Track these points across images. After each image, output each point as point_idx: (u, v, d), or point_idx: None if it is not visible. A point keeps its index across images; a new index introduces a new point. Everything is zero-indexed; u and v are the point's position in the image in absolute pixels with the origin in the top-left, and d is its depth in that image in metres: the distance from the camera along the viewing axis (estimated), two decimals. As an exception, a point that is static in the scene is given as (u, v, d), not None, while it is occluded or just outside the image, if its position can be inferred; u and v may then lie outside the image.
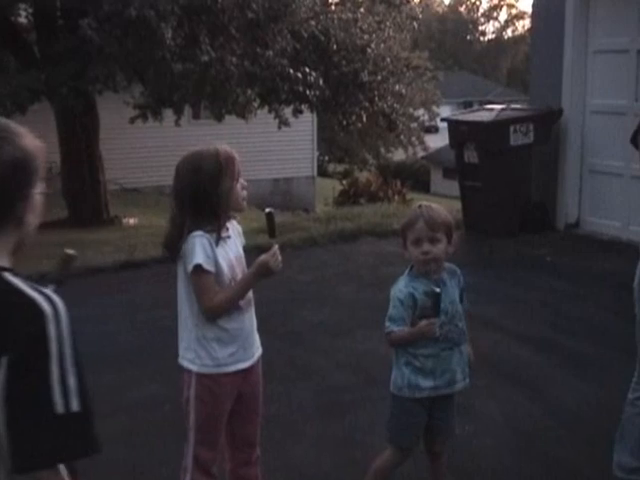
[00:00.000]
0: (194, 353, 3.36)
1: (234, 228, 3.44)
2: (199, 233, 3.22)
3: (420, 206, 3.52)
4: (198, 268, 3.20)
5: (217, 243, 3.25)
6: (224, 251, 3.28)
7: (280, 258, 3.26)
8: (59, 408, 1.78)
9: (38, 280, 1.98)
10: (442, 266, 3.49)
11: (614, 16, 9.12)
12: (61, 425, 1.80)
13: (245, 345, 3.41)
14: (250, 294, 3.41)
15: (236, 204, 3.32)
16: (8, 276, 1.86)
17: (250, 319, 3.45)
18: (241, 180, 3.33)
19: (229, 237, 3.31)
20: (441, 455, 3.74)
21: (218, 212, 3.25)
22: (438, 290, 3.41)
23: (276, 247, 3.30)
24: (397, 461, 3.66)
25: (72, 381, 1.82)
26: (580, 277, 7.86)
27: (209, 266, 3.21)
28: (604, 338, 6.23)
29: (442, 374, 3.49)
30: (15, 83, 12.14)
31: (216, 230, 3.25)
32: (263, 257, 3.27)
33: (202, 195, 3.22)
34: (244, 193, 3.34)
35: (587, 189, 9.50)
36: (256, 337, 3.51)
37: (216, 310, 3.27)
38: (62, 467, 1.85)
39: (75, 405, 1.81)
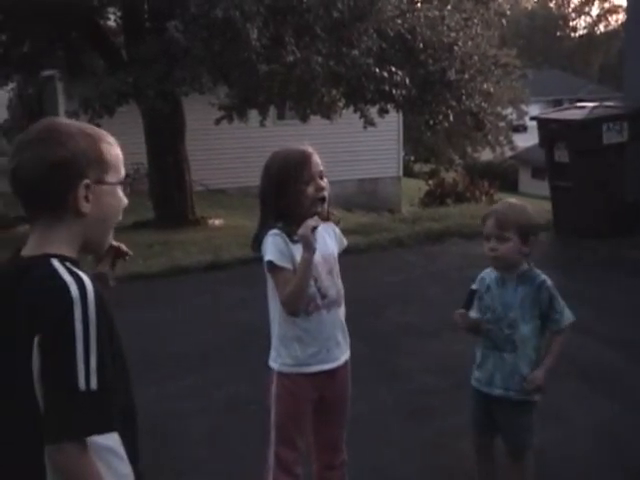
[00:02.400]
0: (276, 351, 3.37)
1: (327, 229, 3.39)
2: (274, 231, 3.22)
3: (499, 203, 3.48)
4: (271, 265, 3.20)
5: (293, 241, 3.21)
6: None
7: (312, 223, 3.12)
8: (81, 385, 1.93)
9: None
10: (515, 265, 3.40)
11: None
12: (82, 401, 1.95)
13: (328, 346, 3.35)
14: (335, 295, 3.35)
15: (306, 207, 3.24)
16: (54, 261, 2.02)
17: (333, 320, 3.37)
18: (320, 182, 3.26)
19: (314, 237, 3.23)
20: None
21: (288, 212, 3.23)
22: (474, 287, 3.46)
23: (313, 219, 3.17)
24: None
25: (93, 361, 1.95)
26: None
27: (282, 262, 3.19)
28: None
29: (483, 371, 3.53)
30: (103, 86, 12.34)
31: (290, 229, 3.21)
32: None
33: (273, 195, 3.24)
34: (321, 194, 3.27)
35: (684, 188, 9.17)
36: (344, 340, 3.43)
37: (287, 302, 3.21)
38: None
39: (94, 384, 1.95)
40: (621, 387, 5.35)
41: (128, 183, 2.23)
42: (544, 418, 4.59)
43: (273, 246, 3.21)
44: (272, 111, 16.47)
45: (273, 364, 3.38)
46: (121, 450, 2.09)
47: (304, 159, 3.27)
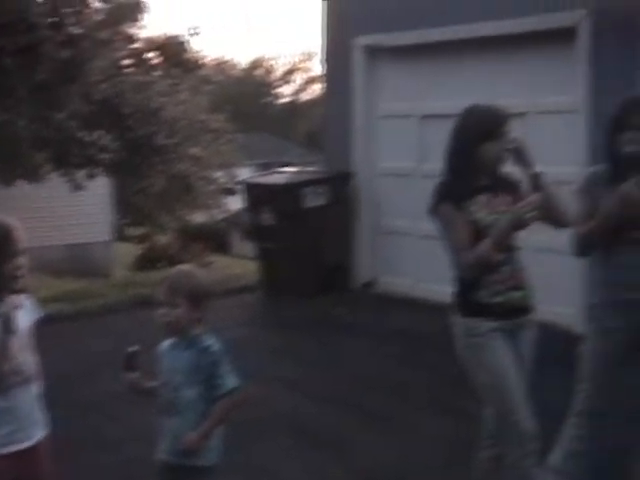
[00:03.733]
0: None
1: (20, 302, 3.29)
2: None
3: (172, 269, 3.54)
4: None
5: None
6: None
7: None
8: None
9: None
10: (185, 330, 3.40)
11: (399, 82, 9.54)
12: None
13: (25, 425, 3.23)
14: (29, 371, 3.24)
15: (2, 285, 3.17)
16: None
17: (29, 397, 3.26)
18: (18, 261, 3.18)
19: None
20: None
21: None
22: (131, 349, 3.52)
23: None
24: None
25: None
26: (375, 335, 8.03)
27: None
28: (401, 393, 6.35)
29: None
30: None
31: None
32: None
33: None
34: (19, 273, 3.20)
35: (381, 249, 9.78)
36: (40, 416, 3.32)
37: None
38: None
39: None
40: (332, 441, 5.54)
41: None
42: (254, 477, 4.67)
43: None
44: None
45: None
46: None
47: (7, 234, 3.18)
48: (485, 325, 3.67)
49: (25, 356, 3.24)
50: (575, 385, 4.06)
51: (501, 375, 3.67)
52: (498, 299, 3.68)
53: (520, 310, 3.76)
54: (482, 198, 3.70)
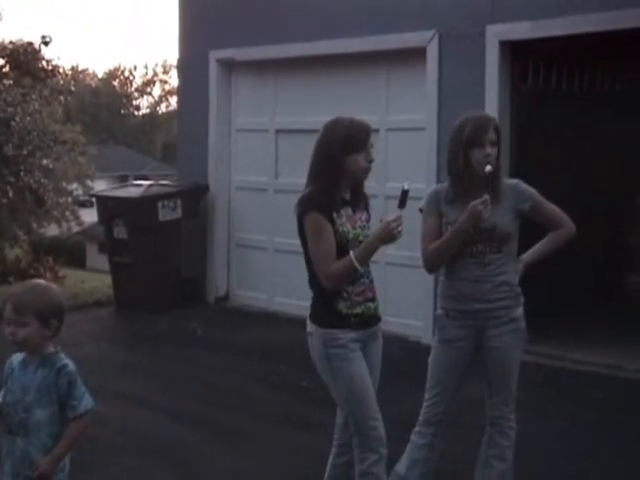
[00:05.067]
0: None
1: None
2: None
3: (19, 285, 3.44)
4: None
5: None
6: None
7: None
8: None
9: None
10: (37, 349, 3.28)
11: (254, 97, 9.60)
12: None
13: None
14: None
15: None
16: None
17: None
18: None
19: None
20: None
21: None
22: None
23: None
24: None
25: None
26: (229, 349, 8.01)
27: None
28: (255, 408, 6.34)
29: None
30: None
31: None
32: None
33: None
34: None
35: (235, 263, 9.79)
36: None
37: None
38: None
39: None
40: (183, 458, 5.47)
41: None
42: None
43: None
44: None
45: None
46: None
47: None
48: (345, 336, 3.73)
49: None
50: (421, 394, 4.16)
51: (360, 383, 3.75)
52: (357, 310, 3.76)
53: (374, 320, 3.85)
54: (346, 211, 3.77)
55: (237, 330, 8.76)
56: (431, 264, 4.04)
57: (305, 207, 3.73)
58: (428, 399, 4.09)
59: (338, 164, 3.74)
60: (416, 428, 4.13)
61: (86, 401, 3.26)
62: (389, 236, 3.63)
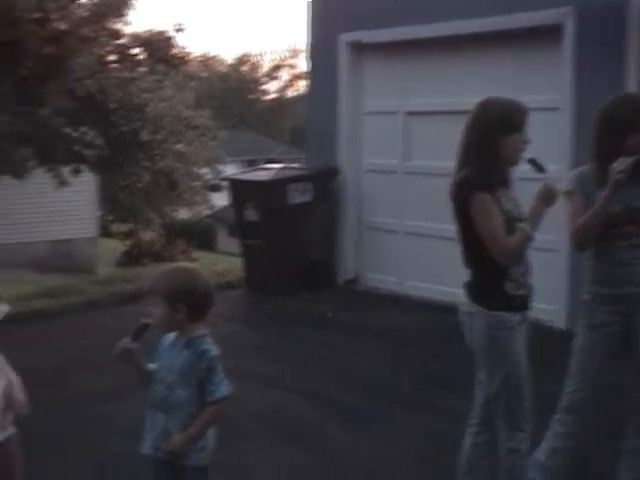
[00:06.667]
0: None
1: None
2: None
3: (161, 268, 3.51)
4: None
5: None
6: None
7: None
8: None
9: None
10: (172, 330, 3.40)
11: (383, 79, 9.55)
12: None
13: None
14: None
15: None
16: None
17: None
18: None
19: None
20: None
21: None
22: (146, 320, 3.40)
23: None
24: None
25: None
26: (359, 332, 8.02)
27: None
28: (383, 391, 6.35)
29: (144, 431, 3.47)
30: None
31: None
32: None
33: None
34: None
35: (365, 246, 9.78)
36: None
37: None
38: None
39: None
40: (313, 439, 5.53)
41: None
42: (238, 476, 4.66)
43: None
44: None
45: None
46: None
47: None
48: (512, 318, 3.72)
49: None
50: (562, 381, 4.08)
51: (520, 365, 3.77)
52: (521, 291, 3.75)
53: (530, 302, 3.83)
54: (503, 190, 3.75)
55: (367, 313, 8.76)
56: (582, 239, 3.94)
57: (471, 188, 3.67)
58: (570, 385, 4.01)
59: (496, 144, 3.69)
60: (556, 415, 4.05)
61: (223, 388, 3.32)
62: (551, 196, 3.62)
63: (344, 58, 9.71)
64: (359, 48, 9.65)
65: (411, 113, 9.21)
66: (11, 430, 3.31)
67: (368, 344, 7.66)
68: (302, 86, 66.65)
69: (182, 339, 3.39)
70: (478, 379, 3.96)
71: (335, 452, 5.30)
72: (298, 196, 9.36)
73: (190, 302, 3.33)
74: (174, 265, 3.64)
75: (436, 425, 5.54)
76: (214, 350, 3.34)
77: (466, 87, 8.09)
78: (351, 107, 9.72)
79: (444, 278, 7.90)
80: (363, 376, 6.77)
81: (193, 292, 3.34)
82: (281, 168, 10.06)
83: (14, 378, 3.33)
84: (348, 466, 5.10)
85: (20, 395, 3.31)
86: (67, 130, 12.95)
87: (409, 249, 9.16)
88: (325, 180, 9.65)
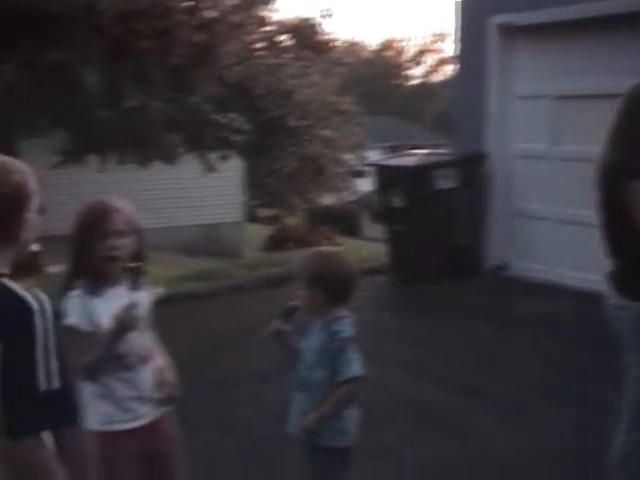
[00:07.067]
0: (87, 409, 3.24)
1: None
2: (75, 292, 3.23)
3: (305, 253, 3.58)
4: (70, 328, 3.13)
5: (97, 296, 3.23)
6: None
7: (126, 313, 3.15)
8: (42, 386, 2.19)
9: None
10: (313, 312, 3.45)
11: (533, 62, 9.30)
12: (44, 400, 2.20)
13: (134, 404, 3.29)
14: (141, 352, 3.29)
15: (96, 265, 3.24)
16: (5, 280, 2.28)
17: (140, 378, 3.30)
18: (110, 242, 3.22)
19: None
20: None
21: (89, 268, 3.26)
22: (294, 303, 3.47)
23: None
24: None
25: (54, 364, 2.22)
26: (504, 319, 7.88)
27: (82, 325, 3.18)
28: (528, 381, 6.22)
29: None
30: None
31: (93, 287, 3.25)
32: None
33: (73, 248, 3.30)
34: (110, 254, 3.23)
35: (513, 232, 9.57)
36: (157, 395, 3.35)
37: (84, 371, 3.18)
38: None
39: (56, 383, 2.22)
40: (461, 426, 5.47)
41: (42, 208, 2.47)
42: (380, 459, 4.65)
43: (73, 308, 3.17)
44: (113, 156, 16.21)
45: (85, 422, 3.30)
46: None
47: (102, 214, 3.23)
48: None
49: (139, 337, 3.28)
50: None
51: None
52: None
53: None
54: None
55: (513, 300, 8.59)
56: None
57: (625, 175, 3.49)
58: None
59: None
60: None
61: (354, 369, 3.33)
62: None
63: (494, 41, 9.50)
64: (509, 31, 9.42)
65: (561, 97, 8.93)
66: (164, 409, 3.38)
67: (514, 333, 7.51)
68: (447, 71, 66.04)
69: (321, 321, 3.44)
70: (630, 375, 3.79)
71: (483, 440, 5.22)
72: (444, 182, 9.25)
73: (328, 286, 3.38)
74: (316, 249, 3.69)
75: (582, 416, 5.38)
76: (348, 331, 3.37)
77: (617, 70, 7.78)
78: (500, 91, 9.51)
79: (596, 266, 7.63)
80: (508, 365, 6.65)
81: (331, 276, 3.39)
82: (427, 154, 9.97)
83: (166, 359, 3.42)
84: (495, 456, 5.01)
85: (171, 375, 3.39)
86: (216, 117, 13.22)
87: (559, 236, 8.91)
88: (472, 166, 9.50)
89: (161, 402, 3.34)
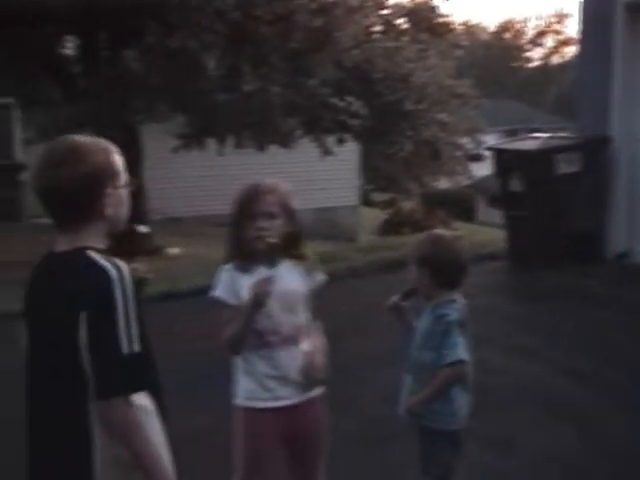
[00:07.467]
0: (236, 385, 3.41)
1: (295, 266, 3.40)
2: (226, 266, 3.36)
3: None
4: (215, 300, 3.34)
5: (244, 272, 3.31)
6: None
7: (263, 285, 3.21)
8: (125, 349, 2.34)
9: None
10: (421, 294, 3.48)
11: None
12: (127, 363, 2.35)
13: (280, 383, 3.33)
14: (289, 332, 3.33)
15: (246, 244, 3.33)
16: (89, 252, 2.43)
17: (287, 357, 3.32)
18: (259, 222, 3.28)
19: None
20: None
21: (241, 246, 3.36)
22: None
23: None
24: None
25: (134, 329, 2.37)
26: (622, 307, 7.68)
27: (228, 299, 3.33)
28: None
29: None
30: (59, 115, 12.24)
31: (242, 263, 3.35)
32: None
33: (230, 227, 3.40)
34: (258, 234, 3.29)
35: (637, 218, 9.28)
36: (302, 377, 3.37)
37: (227, 344, 3.33)
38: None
39: (136, 347, 2.37)
40: (575, 415, 5.38)
41: (131, 184, 2.61)
42: (497, 446, 4.61)
43: (221, 281, 3.31)
44: (230, 140, 16.48)
45: (234, 397, 3.40)
46: (150, 405, 2.48)
47: (253, 195, 3.30)
48: None
49: (287, 317, 3.32)
50: None
51: None
52: None
53: None
54: None
55: (635, 288, 8.34)
56: None
57: None
58: None
59: None
60: None
61: (458, 352, 3.32)
62: None
63: (620, 20, 9.21)
64: (636, 9, 9.12)
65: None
66: (311, 393, 3.41)
67: (631, 320, 7.30)
68: (568, 52, 64.49)
69: (430, 304, 3.45)
70: None
71: (597, 430, 5.11)
72: (566, 166, 9.04)
73: (434, 268, 3.38)
74: (428, 232, 3.68)
75: None
76: (453, 315, 3.35)
77: None
78: (626, 72, 9.22)
79: None
80: (622, 352, 6.47)
81: (438, 258, 3.39)
82: (548, 137, 9.75)
83: (319, 342, 3.45)
84: (612, 446, 4.91)
85: (321, 359, 3.40)
86: (333, 100, 13.26)
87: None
88: (595, 150, 9.25)
89: (305, 386, 3.36)
